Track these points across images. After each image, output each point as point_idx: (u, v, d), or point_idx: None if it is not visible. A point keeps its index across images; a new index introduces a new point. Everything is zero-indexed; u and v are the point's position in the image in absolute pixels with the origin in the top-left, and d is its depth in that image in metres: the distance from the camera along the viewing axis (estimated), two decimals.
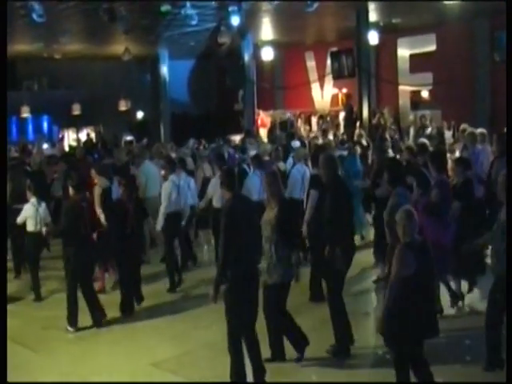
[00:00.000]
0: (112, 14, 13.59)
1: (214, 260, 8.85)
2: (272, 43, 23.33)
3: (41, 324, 8.26)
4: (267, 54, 23.42)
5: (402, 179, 7.57)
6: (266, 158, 11.96)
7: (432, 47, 21.15)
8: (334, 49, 22.38)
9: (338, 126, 22.20)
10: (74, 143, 23.39)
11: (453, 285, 8.14)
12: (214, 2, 15.27)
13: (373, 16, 18.59)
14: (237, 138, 20.08)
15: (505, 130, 11.62)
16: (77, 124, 26.40)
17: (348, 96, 22.15)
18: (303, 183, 9.82)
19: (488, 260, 7.86)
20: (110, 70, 25.31)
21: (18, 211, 9.37)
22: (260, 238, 6.25)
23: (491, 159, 10.10)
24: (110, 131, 24.92)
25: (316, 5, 14.31)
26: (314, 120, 24.10)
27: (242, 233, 5.89)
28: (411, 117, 21.42)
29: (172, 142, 17.99)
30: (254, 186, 9.87)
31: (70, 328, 7.92)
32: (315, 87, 24.95)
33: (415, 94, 22.22)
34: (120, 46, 19.99)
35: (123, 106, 25.01)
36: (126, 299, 8.48)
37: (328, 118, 23.51)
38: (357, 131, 17.97)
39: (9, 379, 5.59)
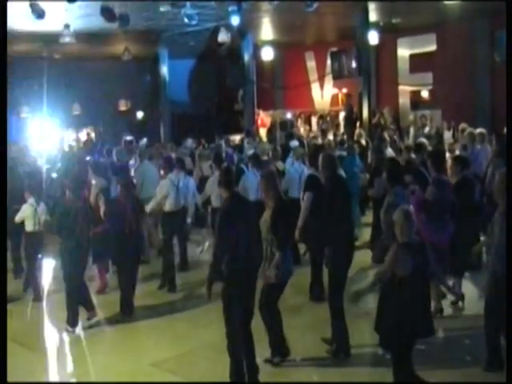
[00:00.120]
0: (112, 13, 13.59)
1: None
2: (272, 43, 23.32)
3: (40, 324, 8.26)
4: (267, 54, 23.41)
5: (401, 179, 7.58)
6: (265, 157, 11.96)
7: (432, 47, 21.14)
8: (334, 49, 22.36)
9: (337, 125, 22.20)
10: (74, 143, 23.35)
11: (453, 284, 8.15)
12: (213, 2, 15.26)
13: (373, 16, 18.57)
14: (237, 138, 20.10)
15: (504, 130, 11.64)
16: (76, 124, 26.39)
17: (348, 96, 22.13)
18: (301, 182, 9.83)
19: (484, 257, 7.89)
20: (109, 69, 25.30)
21: (17, 212, 9.37)
22: (258, 237, 6.24)
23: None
24: (109, 131, 24.92)
25: (316, 5, 14.30)
26: (313, 120, 24.10)
27: (238, 232, 5.88)
28: (411, 117, 21.41)
29: (172, 142, 17.99)
30: (251, 185, 9.89)
31: (69, 328, 7.92)
32: (315, 87, 24.94)
33: (415, 94, 22.21)
34: (120, 46, 19.99)
35: (123, 105, 25.02)
36: (126, 299, 8.47)
37: (328, 118, 23.50)
38: (357, 131, 17.98)
39: (9, 379, 5.58)
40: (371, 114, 19.40)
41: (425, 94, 21.92)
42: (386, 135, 14.59)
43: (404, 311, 5.21)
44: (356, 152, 12.22)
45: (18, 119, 24.77)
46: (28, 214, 9.25)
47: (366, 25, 18.48)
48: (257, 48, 23.39)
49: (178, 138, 19.28)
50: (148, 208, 9.62)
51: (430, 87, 21.28)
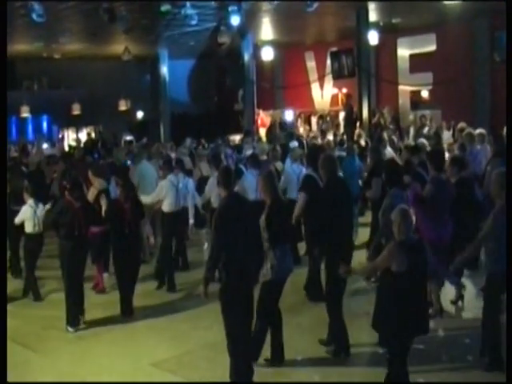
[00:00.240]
0: (112, 13, 13.60)
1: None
2: (272, 43, 23.33)
3: (40, 324, 8.26)
4: (267, 54, 23.41)
5: (400, 180, 7.58)
6: (264, 157, 11.96)
7: (432, 47, 21.15)
8: (334, 49, 22.38)
9: (337, 125, 22.22)
10: (74, 143, 23.40)
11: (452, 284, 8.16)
12: (213, 2, 15.26)
13: (373, 16, 18.58)
14: (237, 138, 20.10)
15: (503, 130, 11.65)
16: (76, 124, 26.42)
17: (348, 96, 22.14)
18: (299, 183, 9.82)
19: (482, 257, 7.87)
20: (109, 69, 25.32)
21: (17, 212, 9.38)
22: (257, 237, 6.20)
23: None
24: (109, 131, 24.94)
25: (316, 5, 14.32)
26: (313, 120, 24.11)
27: (236, 231, 5.85)
28: (411, 117, 21.42)
29: (172, 142, 18.00)
30: (250, 185, 9.89)
31: (69, 328, 7.93)
32: (315, 87, 24.95)
33: (415, 94, 22.22)
34: (120, 46, 19.99)
35: (123, 105, 25.02)
36: (125, 300, 8.47)
37: (328, 118, 23.51)
38: (357, 131, 17.99)
39: (9, 379, 5.58)
40: (371, 113, 19.41)
41: (425, 93, 21.93)
42: (385, 135, 14.59)
43: (400, 309, 5.25)
44: (356, 153, 12.22)
45: (18, 119, 24.79)
46: (28, 216, 9.25)
47: (366, 25, 18.50)
48: (257, 48, 23.41)
49: (177, 138, 19.28)
50: (146, 200, 9.62)
51: (430, 87, 21.28)
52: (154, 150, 14.18)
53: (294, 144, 14.16)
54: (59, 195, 11.43)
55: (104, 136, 24.52)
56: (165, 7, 14.41)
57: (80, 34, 19.64)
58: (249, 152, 13.87)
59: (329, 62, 22.66)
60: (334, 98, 24.27)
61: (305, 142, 16.90)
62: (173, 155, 14.09)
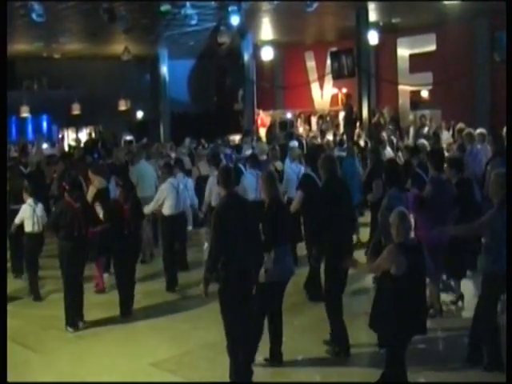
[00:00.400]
0: (112, 13, 13.60)
1: None
2: (272, 43, 23.33)
3: (40, 324, 8.27)
4: (267, 54, 23.41)
5: (399, 180, 7.58)
6: (264, 157, 11.96)
7: (432, 47, 21.15)
8: (334, 49, 22.38)
9: (337, 125, 22.21)
10: (74, 143, 23.39)
11: (453, 284, 8.17)
12: (213, 2, 15.26)
13: (373, 16, 18.58)
14: (236, 138, 20.10)
15: (503, 130, 11.64)
16: (76, 124, 26.41)
17: (348, 96, 22.14)
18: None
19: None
20: (109, 69, 25.31)
21: (16, 212, 9.38)
22: (257, 237, 6.18)
23: None
24: (109, 131, 24.93)
25: (316, 5, 14.32)
26: (313, 120, 24.10)
27: (235, 231, 5.84)
28: (411, 117, 21.42)
29: (172, 142, 17.99)
30: (250, 185, 9.89)
31: (69, 328, 7.93)
32: (315, 87, 24.95)
33: (415, 94, 22.22)
34: (120, 46, 19.99)
35: (123, 105, 25.02)
36: (124, 300, 8.46)
37: (328, 118, 23.51)
38: (356, 131, 17.99)
39: (9, 379, 5.58)
40: (371, 113, 19.41)
41: (424, 93, 21.93)
42: (384, 135, 14.60)
43: (399, 309, 5.27)
44: (355, 153, 12.23)
45: (17, 119, 24.78)
46: (27, 215, 9.25)
47: (366, 25, 18.50)
48: (257, 48, 23.40)
49: (177, 138, 19.28)
50: (147, 210, 9.60)
51: (430, 87, 21.28)
52: (153, 149, 14.17)
53: (294, 144, 14.16)
54: (58, 195, 11.44)
55: (104, 136, 24.51)
56: (165, 7, 14.40)
57: (80, 34, 19.64)
58: (248, 152, 13.88)
59: (329, 61, 22.66)
60: (334, 97, 24.27)
61: (304, 141, 16.90)
62: (172, 155, 14.11)
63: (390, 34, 21.24)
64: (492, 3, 15.37)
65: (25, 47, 20.47)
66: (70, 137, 26.77)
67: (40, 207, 9.39)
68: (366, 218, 11.50)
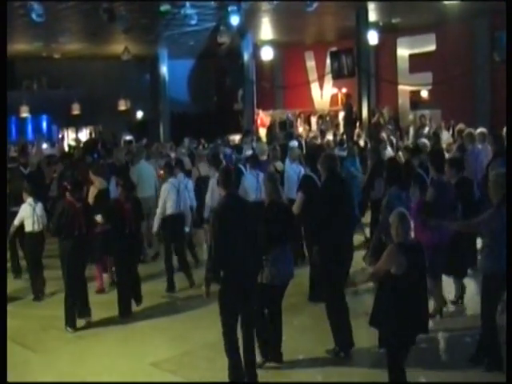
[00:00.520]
0: (111, 13, 13.59)
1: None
2: (272, 43, 23.33)
3: (40, 324, 8.27)
4: (267, 54, 23.42)
5: (399, 178, 7.57)
6: (264, 157, 11.95)
7: (432, 47, 21.14)
8: (334, 49, 22.38)
9: (337, 125, 22.21)
10: (74, 143, 23.38)
11: (453, 284, 8.16)
12: (213, 2, 15.26)
13: (372, 16, 18.58)
14: (236, 138, 20.08)
15: (503, 130, 11.63)
16: (76, 124, 26.40)
17: (347, 96, 22.14)
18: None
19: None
20: (109, 69, 25.31)
21: (16, 214, 9.36)
22: (256, 238, 6.13)
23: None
24: (109, 131, 24.93)
25: (316, 5, 14.31)
26: (313, 120, 24.09)
27: (235, 232, 5.84)
28: (411, 116, 21.42)
29: (171, 142, 17.98)
30: (251, 185, 9.88)
31: (69, 328, 7.92)
32: (315, 87, 24.95)
33: (415, 94, 22.21)
34: (119, 46, 19.99)
35: (123, 105, 25.02)
36: (123, 300, 8.46)
37: (327, 118, 23.50)
38: (356, 131, 17.99)
39: (9, 379, 5.59)
40: (371, 113, 19.41)
41: (424, 93, 21.92)
42: (384, 135, 14.59)
43: (400, 309, 5.29)
44: (356, 153, 12.22)
45: (17, 119, 24.78)
46: (27, 214, 9.25)
47: (366, 25, 18.50)
48: (256, 48, 23.40)
49: (177, 138, 19.27)
50: (158, 213, 9.58)
51: (430, 87, 21.28)
52: (153, 149, 14.16)
53: (294, 144, 14.14)
54: (58, 195, 11.43)
55: (104, 136, 24.51)
56: (164, 7, 14.39)
57: (80, 34, 19.64)
58: (248, 152, 13.86)
59: (328, 61, 22.67)
60: (334, 97, 24.27)
61: (303, 141, 16.89)
62: (172, 155, 14.10)
63: (390, 33, 21.24)
64: (492, 3, 15.37)
65: (24, 47, 20.46)
66: (69, 137, 26.76)
67: (40, 206, 9.39)
68: (366, 218, 11.50)
